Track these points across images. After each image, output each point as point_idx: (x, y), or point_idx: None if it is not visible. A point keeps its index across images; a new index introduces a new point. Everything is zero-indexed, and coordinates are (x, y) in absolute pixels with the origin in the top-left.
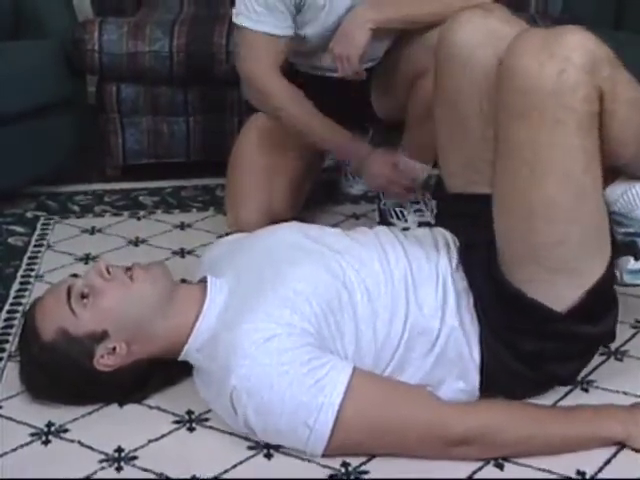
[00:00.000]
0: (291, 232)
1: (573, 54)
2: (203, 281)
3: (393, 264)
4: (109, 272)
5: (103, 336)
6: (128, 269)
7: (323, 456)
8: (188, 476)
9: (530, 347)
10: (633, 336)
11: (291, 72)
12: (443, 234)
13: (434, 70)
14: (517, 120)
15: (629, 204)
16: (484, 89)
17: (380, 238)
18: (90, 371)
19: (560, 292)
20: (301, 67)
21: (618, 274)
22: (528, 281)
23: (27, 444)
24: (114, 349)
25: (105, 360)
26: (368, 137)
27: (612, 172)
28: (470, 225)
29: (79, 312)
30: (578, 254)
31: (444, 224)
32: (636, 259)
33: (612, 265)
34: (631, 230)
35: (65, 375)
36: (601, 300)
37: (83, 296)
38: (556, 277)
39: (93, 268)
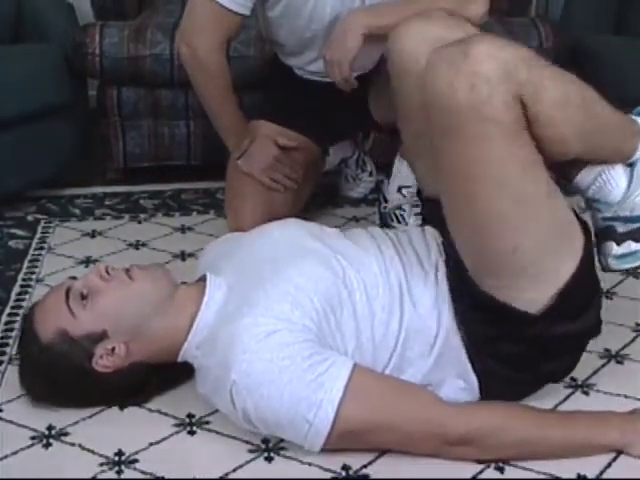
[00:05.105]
0: (290, 228)
1: (481, 67)
2: (202, 280)
3: (388, 264)
4: (108, 273)
5: (102, 336)
6: (127, 270)
7: (322, 451)
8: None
9: (512, 351)
10: (634, 339)
11: (289, 76)
12: (434, 234)
13: (390, 85)
14: (444, 140)
15: (601, 189)
16: None
17: (376, 239)
18: (89, 372)
19: (530, 295)
20: (299, 72)
21: (603, 261)
22: (496, 288)
23: (28, 447)
24: (113, 350)
25: (104, 361)
26: (369, 142)
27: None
28: (442, 231)
29: (78, 312)
30: (537, 257)
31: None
32: (618, 244)
33: (587, 260)
34: (607, 215)
35: (64, 377)
36: (577, 297)
37: (82, 297)
38: (521, 282)
39: (92, 270)
